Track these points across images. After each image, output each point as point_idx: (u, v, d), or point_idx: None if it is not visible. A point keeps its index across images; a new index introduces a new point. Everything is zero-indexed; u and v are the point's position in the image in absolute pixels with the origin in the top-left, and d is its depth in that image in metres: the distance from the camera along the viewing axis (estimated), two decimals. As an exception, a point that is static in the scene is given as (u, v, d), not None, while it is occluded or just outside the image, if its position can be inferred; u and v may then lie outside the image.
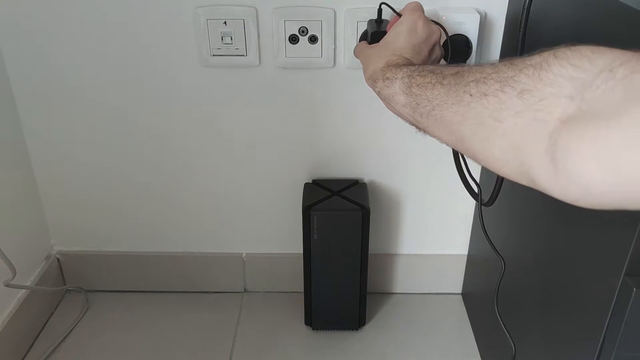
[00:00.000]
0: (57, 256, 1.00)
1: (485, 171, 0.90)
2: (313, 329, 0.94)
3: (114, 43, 0.82)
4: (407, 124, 0.83)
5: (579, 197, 0.34)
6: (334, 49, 0.81)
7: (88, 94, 0.86)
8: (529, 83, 0.37)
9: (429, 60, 0.65)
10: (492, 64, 0.43)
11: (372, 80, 0.61)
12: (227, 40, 0.80)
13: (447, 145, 0.47)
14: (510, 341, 0.71)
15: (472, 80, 0.43)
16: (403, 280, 1.02)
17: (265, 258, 1.00)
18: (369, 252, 0.87)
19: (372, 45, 0.66)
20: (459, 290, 1.03)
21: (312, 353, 0.91)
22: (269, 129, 0.88)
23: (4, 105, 0.85)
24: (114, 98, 0.86)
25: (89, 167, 0.92)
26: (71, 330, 0.94)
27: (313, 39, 0.80)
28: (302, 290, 0.91)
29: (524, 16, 0.61)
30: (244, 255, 1.00)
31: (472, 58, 0.76)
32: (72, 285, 1.02)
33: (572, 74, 0.35)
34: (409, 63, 0.59)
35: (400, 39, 0.64)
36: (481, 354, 0.90)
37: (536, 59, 0.38)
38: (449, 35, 0.74)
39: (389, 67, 0.59)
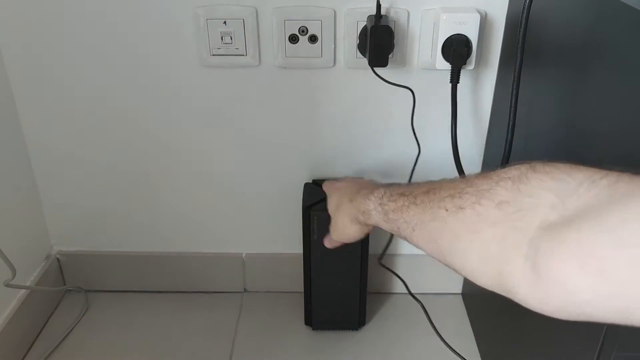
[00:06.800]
0: (57, 256, 1.00)
1: (485, 171, 0.90)
2: (313, 329, 0.94)
3: (114, 43, 0.82)
4: (407, 124, 0.83)
5: (560, 307, 0.33)
6: (334, 48, 0.81)
7: (88, 94, 0.86)
8: (506, 195, 0.37)
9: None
10: (464, 179, 0.43)
11: (356, 222, 0.61)
12: (227, 40, 0.80)
13: (439, 261, 0.45)
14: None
15: (447, 196, 0.43)
16: (403, 280, 1.02)
17: (265, 258, 1.00)
18: (369, 252, 0.87)
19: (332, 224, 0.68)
20: (459, 290, 1.03)
21: (312, 353, 0.91)
22: (269, 128, 0.88)
23: (4, 106, 0.85)
24: (113, 98, 0.86)
25: (88, 167, 0.92)
26: (71, 330, 0.94)
27: (313, 39, 0.80)
28: (302, 290, 0.91)
29: (525, 16, 0.61)
30: (244, 255, 1.00)
31: (472, 58, 0.76)
32: (72, 285, 1.02)
33: (553, 186, 0.35)
34: (371, 188, 0.59)
35: (339, 193, 0.67)
36: (481, 354, 0.90)
37: (513, 172, 0.38)
38: (449, 35, 0.74)
39: (356, 200, 0.60)
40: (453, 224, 0.41)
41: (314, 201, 0.84)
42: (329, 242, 0.73)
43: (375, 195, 0.56)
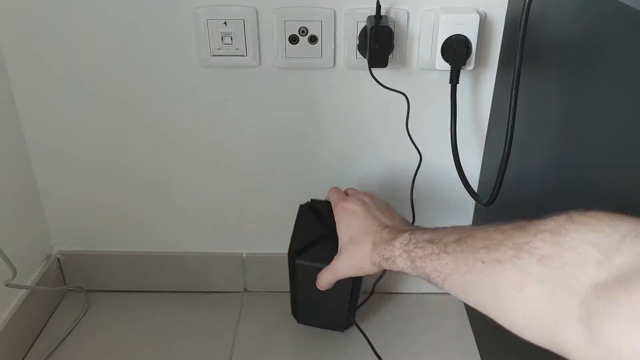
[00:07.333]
0: (58, 256, 1.00)
1: (485, 171, 0.90)
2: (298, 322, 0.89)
3: (114, 43, 0.82)
4: (407, 124, 0.84)
5: None
6: (334, 49, 0.81)
7: (88, 94, 0.86)
8: (547, 249, 0.36)
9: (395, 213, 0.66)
10: (497, 229, 0.42)
11: (377, 266, 0.59)
12: (227, 40, 0.80)
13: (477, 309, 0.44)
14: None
15: (482, 247, 0.42)
16: (403, 280, 1.02)
17: (265, 258, 1.01)
18: None
19: (338, 254, 0.65)
20: (459, 290, 1.03)
21: (313, 353, 0.91)
22: (269, 129, 0.88)
23: (4, 106, 0.85)
24: (114, 98, 0.86)
25: (89, 167, 0.92)
26: (71, 330, 0.94)
27: (313, 39, 0.80)
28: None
29: (524, 16, 0.61)
30: (244, 255, 1.01)
31: (472, 58, 0.76)
32: (72, 285, 1.02)
33: (595, 240, 0.34)
34: (394, 230, 0.58)
35: (354, 224, 0.64)
36: (481, 354, 0.90)
37: (550, 224, 0.37)
38: (450, 35, 0.74)
39: (379, 245, 0.58)
40: (492, 278, 0.40)
41: (302, 245, 0.76)
42: (325, 283, 0.68)
43: (400, 241, 0.55)
